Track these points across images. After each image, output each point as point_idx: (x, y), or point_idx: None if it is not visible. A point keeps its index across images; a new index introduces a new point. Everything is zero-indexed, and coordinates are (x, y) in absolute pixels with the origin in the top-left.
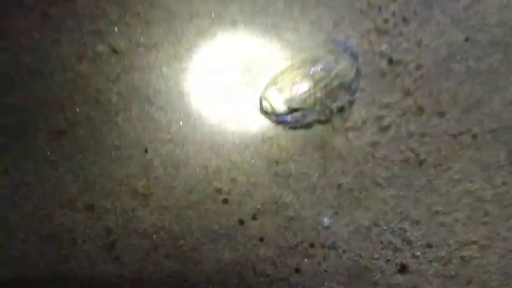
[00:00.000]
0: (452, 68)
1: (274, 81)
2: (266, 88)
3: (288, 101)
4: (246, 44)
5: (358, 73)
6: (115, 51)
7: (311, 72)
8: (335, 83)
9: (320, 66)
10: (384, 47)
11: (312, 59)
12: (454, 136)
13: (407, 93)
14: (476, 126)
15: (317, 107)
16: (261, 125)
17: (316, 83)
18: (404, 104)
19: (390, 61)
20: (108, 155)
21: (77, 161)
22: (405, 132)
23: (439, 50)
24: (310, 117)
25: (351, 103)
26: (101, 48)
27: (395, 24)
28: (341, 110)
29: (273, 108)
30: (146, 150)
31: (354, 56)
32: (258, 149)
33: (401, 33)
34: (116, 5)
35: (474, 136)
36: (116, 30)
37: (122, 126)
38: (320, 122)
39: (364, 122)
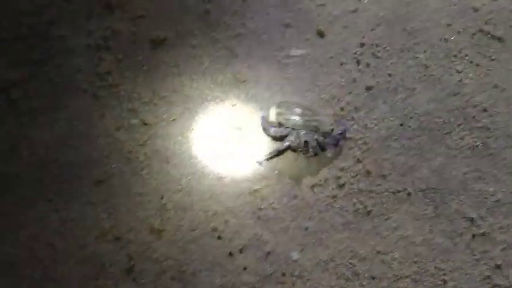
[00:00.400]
0: (390, 144)
1: (278, 105)
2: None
3: (280, 115)
4: (242, 121)
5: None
6: (144, 124)
7: (310, 114)
8: (320, 130)
9: (317, 118)
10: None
11: (314, 112)
12: (394, 193)
13: (358, 160)
14: (410, 186)
15: (294, 133)
16: (249, 180)
17: (308, 121)
18: (355, 168)
19: (345, 137)
20: (133, 199)
21: (111, 204)
22: (357, 189)
23: (380, 132)
24: (288, 138)
25: (315, 153)
26: (134, 121)
27: (349, 111)
28: (307, 149)
29: (268, 116)
30: (162, 197)
31: (345, 129)
32: (246, 198)
33: (353, 118)
34: (148, 91)
35: (409, 194)
36: (146, 108)
37: (146, 179)
38: (291, 149)
39: (326, 180)
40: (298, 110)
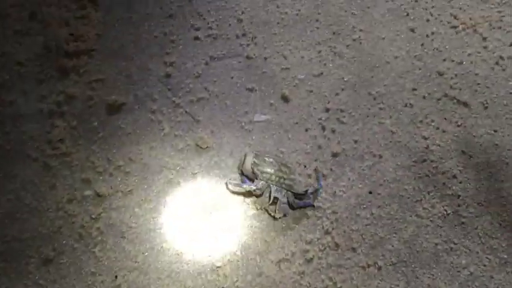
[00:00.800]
0: (359, 213)
1: (256, 156)
2: (247, 155)
3: (256, 165)
4: (204, 191)
5: (313, 197)
6: (98, 195)
7: (286, 172)
8: (292, 188)
9: (293, 177)
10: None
11: (290, 170)
12: (363, 268)
13: (326, 232)
14: (381, 260)
15: (266, 187)
16: (211, 256)
17: (282, 178)
18: (324, 241)
19: (312, 207)
20: (85, 279)
21: (60, 285)
22: (325, 263)
23: (349, 200)
24: (259, 190)
25: (284, 214)
26: (87, 192)
27: (316, 178)
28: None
29: (244, 163)
30: (116, 277)
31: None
32: (208, 276)
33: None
34: (103, 159)
35: (379, 268)
36: (101, 178)
37: (99, 256)
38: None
39: (293, 254)
40: (274, 165)
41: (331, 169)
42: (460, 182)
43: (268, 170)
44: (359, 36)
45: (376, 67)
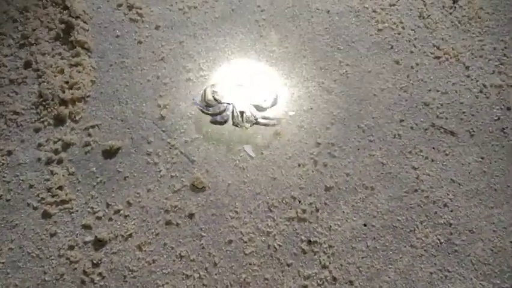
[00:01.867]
0: (355, 246)
1: (213, 86)
2: (206, 89)
3: (215, 93)
4: (202, 231)
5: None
6: (99, 240)
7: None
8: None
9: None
10: (304, 231)
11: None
12: None
13: (324, 266)
14: None
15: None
16: None
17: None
18: (321, 276)
19: (309, 242)
20: None
21: None
22: None
23: (345, 233)
24: (226, 113)
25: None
26: (88, 238)
27: (311, 213)
28: (248, 120)
29: (205, 95)
30: None
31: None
32: None
33: (316, 220)
34: (102, 204)
35: None
36: (101, 223)
37: None
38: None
39: None
40: (232, 88)
41: (325, 203)
42: (451, 211)
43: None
44: (346, 71)
45: (364, 100)
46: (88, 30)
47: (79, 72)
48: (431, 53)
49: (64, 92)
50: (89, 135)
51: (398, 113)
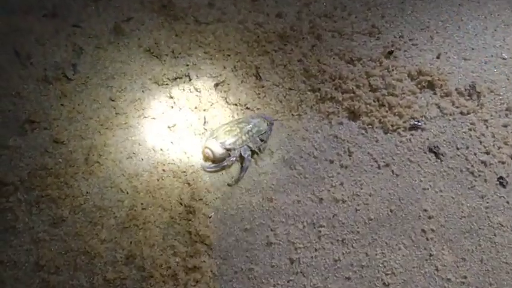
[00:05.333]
0: None
1: (211, 134)
2: (206, 140)
3: (223, 144)
4: None
5: (270, 127)
6: None
7: (240, 126)
8: (255, 132)
9: (245, 123)
10: None
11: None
12: None
13: None
14: None
15: (242, 146)
16: None
17: (241, 131)
18: None
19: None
20: None
21: None
22: None
23: None
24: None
25: (264, 148)
26: None
27: None
28: (258, 150)
29: (213, 152)
30: None
31: (269, 122)
32: None
33: None
34: None
35: None
36: None
37: None
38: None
39: None
40: (233, 127)
41: None
42: None
43: (234, 137)
44: None
45: None
46: (210, 217)
47: (197, 281)
48: None
49: None
50: None
51: None
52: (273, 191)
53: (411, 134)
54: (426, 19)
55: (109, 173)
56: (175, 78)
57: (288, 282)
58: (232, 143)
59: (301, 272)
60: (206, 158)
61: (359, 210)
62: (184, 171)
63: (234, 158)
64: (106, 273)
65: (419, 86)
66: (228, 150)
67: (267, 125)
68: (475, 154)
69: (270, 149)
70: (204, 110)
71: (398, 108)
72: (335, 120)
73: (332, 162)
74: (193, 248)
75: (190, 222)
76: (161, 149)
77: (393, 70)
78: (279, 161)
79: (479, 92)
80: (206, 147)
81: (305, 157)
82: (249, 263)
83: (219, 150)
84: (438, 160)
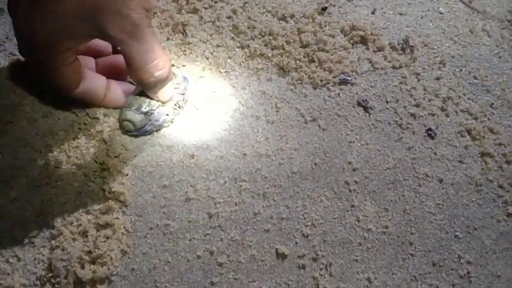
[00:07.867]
0: None
1: (127, 105)
2: (121, 113)
3: (139, 109)
4: None
5: (186, 81)
6: None
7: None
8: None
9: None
10: None
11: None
12: None
13: None
14: None
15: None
16: None
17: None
18: None
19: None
20: None
21: None
22: None
23: None
24: (162, 116)
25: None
26: None
27: None
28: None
29: (133, 123)
30: None
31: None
32: None
33: None
34: None
35: None
36: None
37: None
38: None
39: None
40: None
41: None
42: None
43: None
44: (468, 272)
45: None
46: (127, 175)
47: (108, 238)
48: None
49: (83, 267)
50: None
51: None
52: (195, 148)
53: (341, 89)
54: None
55: (22, 133)
56: None
57: (205, 236)
58: (147, 105)
59: (219, 226)
60: (127, 131)
61: (282, 164)
62: (101, 131)
63: (157, 122)
64: (13, 232)
65: (352, 41)
66: (146, 113)
67: (183, 78)
68: (405, 107)
69: (194, 106)
70: None
71: (328, 63)
72: (263, 77)
73: (258, 118)
74: (106, 205)
75: (104, 179)
76: (77, 110)
77: (325, 26)
78: (203, 118)
79: (412, 46)
80: (124, 120)
81: (231, 113)
82: (166, 219)
83: (137, 119)
84: (367, 114)
